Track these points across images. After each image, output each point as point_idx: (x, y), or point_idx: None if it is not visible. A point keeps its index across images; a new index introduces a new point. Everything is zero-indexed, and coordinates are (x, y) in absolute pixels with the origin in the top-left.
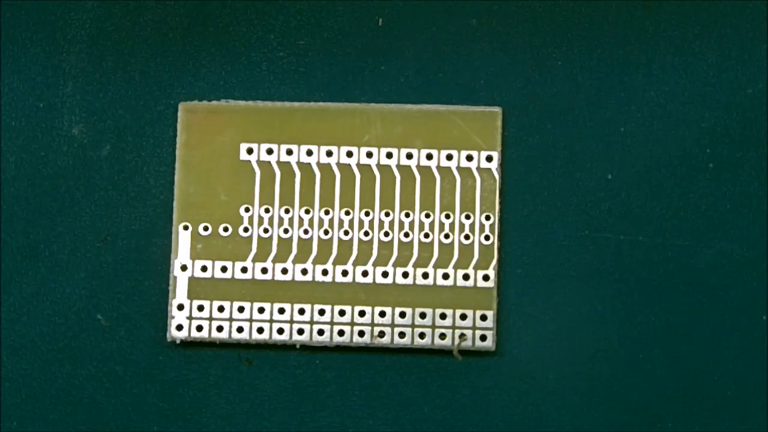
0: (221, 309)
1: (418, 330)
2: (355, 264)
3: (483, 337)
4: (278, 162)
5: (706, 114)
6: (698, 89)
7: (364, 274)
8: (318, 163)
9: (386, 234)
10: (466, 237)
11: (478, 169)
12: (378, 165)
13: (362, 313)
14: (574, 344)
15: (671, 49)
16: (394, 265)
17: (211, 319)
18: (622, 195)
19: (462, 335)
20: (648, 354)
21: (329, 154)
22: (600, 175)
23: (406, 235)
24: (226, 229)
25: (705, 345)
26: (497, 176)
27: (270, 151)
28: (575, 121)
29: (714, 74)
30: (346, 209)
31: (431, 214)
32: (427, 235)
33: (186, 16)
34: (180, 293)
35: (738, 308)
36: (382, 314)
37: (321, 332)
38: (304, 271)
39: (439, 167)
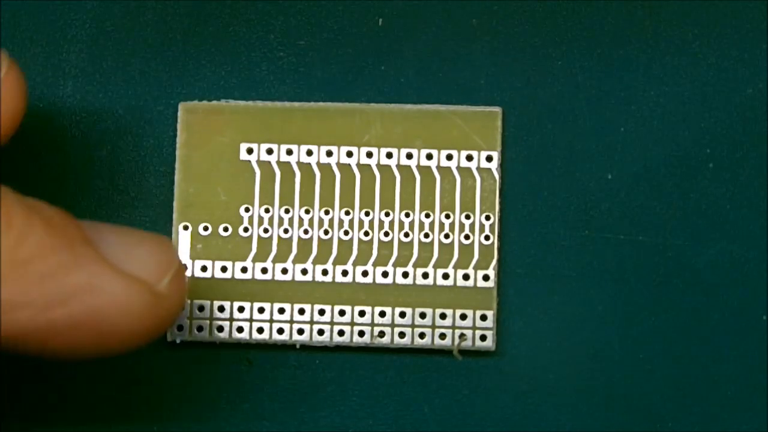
0: (221, 309)
1: (418, 330)
2: (355, 264)
3: (483, 337)
4: (278, 162)
5: (706, 114)
6: (698, 89)
7: (364, 274)
8: (318, 163)
9: (386, 234)
10: (466, 237)
11: (478, 169)
12: (378, 165)
13: (362, 313)
14: (574, 344)
15: (671, 49)
16: (394, 265)
17: (211, 319)
18: (622, 195)
19: (462, 335)
20: (648, 354)
21: (329, 154)
22: (600, 175)
23: (406, 235)
24: (226, 229)
25: (705, 345)
26: (497, 176)
27: (270, 151)
28: (575, 121)
29: (714, 74)
30: (346, 209)
31: (431, 214)
32: (427, 235)
33: (186, 16)
34: None
35: (738, 308)
36: (382, 314)
37: (321, 332)
38: (304, 271)
39: (439, 167)
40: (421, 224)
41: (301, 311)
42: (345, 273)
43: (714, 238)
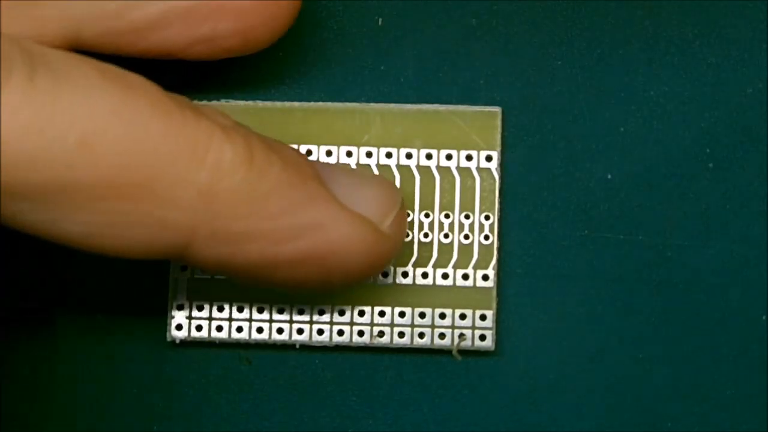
0: (221, 309)
1: (417, 330)
2: None
3: (482, 337)
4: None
5: (706, 114)
6: (698, 89)
7: None
8: None
9: None
10: (466, 237)
11: (478, 168)
12: (377, 165)
13: (362, 313)
14: (573, 344)
15: (671, 49)
16: (394, 265)
17: (210, 319)
18: (621, 195)
19: (461, 335)
20: (647, 354)
21: (329, 153)
22: (600, 175)
23: (406, 234)
24: None
25: (705, 345)
26: (497, 176)
27: None
28: (575, 121)
29: (714, 74)
30: None
31: (430, 213)
32: (426, 235)
33: None
34: (180, 293)
35: (738, 308)
36: (382, 314)
37: (320, 332)
38: None
39: (438, 167)
40: (421, 224)
41: (301, 311)
42: None
43: (714, 238)
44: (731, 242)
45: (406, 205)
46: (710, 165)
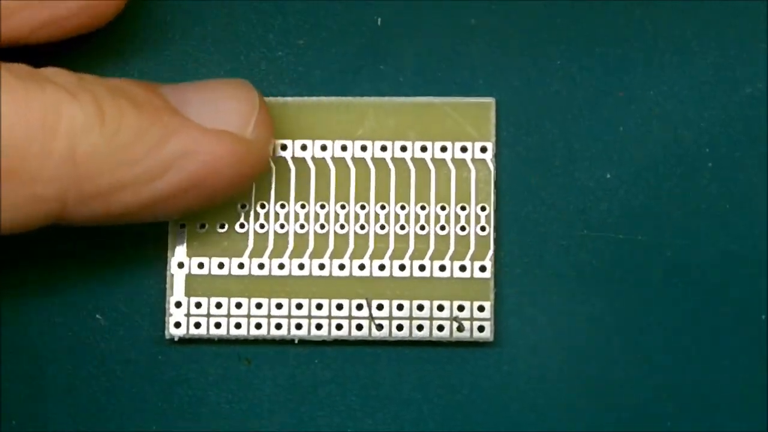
0: (219, 305)
1: (416, 322)
2: (351, 257)
3: (481, 328)
4: (272, 157)
5: (705, 113)
6: (697, 88)
7: (361, 267)
8: (312, 158)
9: (382, 227)
10: (462, 228)
11: (473, 160)
12: (372, 158)
13: (359, 307)
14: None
15: (670, 48)
16: (391, 258)
17: (209, 315)
18: (620, 194)
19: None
20: (646, 353)
21: (323, 148)
22: (599, 175)
23: (402, 227)
24: (222, 226)
25: (704, 345)
26: (492, 167)
27: None
28: (574, 120)
29: (713, 73)
30: (341, 203)
31: (426, 206)
32: (423, 227)
33: (185, 16)
34: (177, 291)
35: (737, 308)
36: (380, 307)
37: (319, 326)
38: (301, 266)
39: (433, 159)
40: (417, 216)
41: (299, 306)
42: (342, 267)
43: (713, 238)
44: (730, 242)
45: (263, 102)
46: (709, 164)
